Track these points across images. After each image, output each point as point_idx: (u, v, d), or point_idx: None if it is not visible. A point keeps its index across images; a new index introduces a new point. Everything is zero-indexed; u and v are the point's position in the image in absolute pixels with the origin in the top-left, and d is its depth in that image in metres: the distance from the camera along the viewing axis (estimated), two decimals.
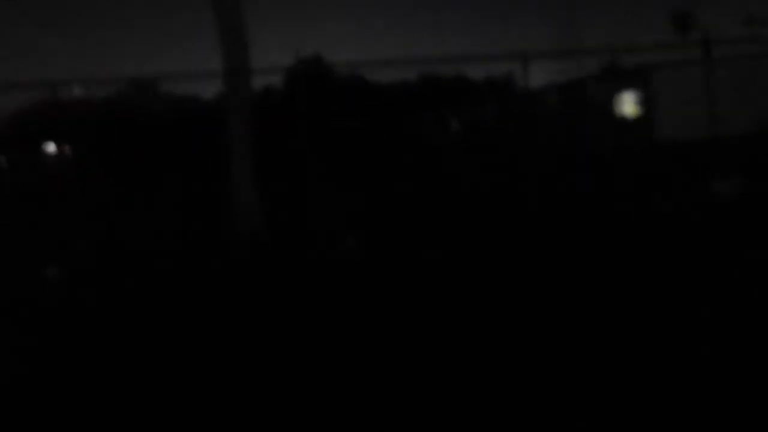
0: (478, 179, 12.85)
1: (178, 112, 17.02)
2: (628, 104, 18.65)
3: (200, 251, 8.19)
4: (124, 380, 4.41)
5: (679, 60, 16.59)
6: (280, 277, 6.82)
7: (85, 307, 6.31)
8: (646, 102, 18.07)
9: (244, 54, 8.56)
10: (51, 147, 17.20)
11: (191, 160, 15.59)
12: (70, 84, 14.99)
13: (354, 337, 4.92)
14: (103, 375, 4.55)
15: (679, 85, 16.36)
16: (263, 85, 20.25)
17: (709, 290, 5.29)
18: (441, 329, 4.95)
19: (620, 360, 4.13)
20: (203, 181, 13.30)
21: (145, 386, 4.29)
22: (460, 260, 6.84)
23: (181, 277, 7.15)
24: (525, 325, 4.87)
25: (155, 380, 4.37)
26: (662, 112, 16.82)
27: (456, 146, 19.09)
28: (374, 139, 17.53)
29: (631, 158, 14.21)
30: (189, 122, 16.57)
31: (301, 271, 6.95)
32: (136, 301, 6.33)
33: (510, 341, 4.60)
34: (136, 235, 9.97)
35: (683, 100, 15.60)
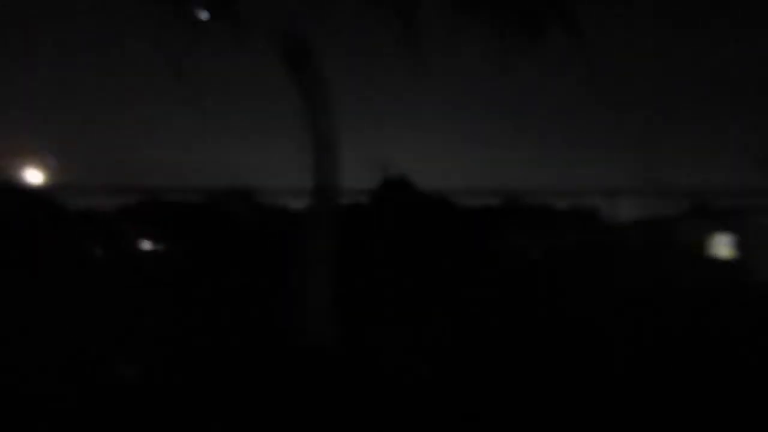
0: (555, 306, 12.57)
1: (269, 218, 17.74)
2: (721, 245, 18.15)
3: (272, 357, 8.24)
4: None
5: None
6: (346, 395, 6.74)
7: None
8: (740, 244, 17.54)
9: (333, 173, 8.95)
10: (146, 243, 18.15)
11: (273, 266, 16.05)
12: (170, 191, 16.08)
13: None
14: None
15: None
16: (352, 199, 20.86)
17: None
18: None
19: None
20: (281, 287, 13.60)
21: None
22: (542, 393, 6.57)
23: (252, 385, 7.19)
24: None
25: None
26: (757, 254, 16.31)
27: (535, 273, 18.79)
28: (454, 263, 17.54)
29: (724, 299, 13.68)
30: (276, 230, 17.17)
31: (366, 392, 6.85)
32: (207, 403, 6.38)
33: None
34: (210, 331, 10.18)
35: None
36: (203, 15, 8.76)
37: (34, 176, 19.53)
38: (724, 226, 18.04)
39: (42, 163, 19.73)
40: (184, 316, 11.45)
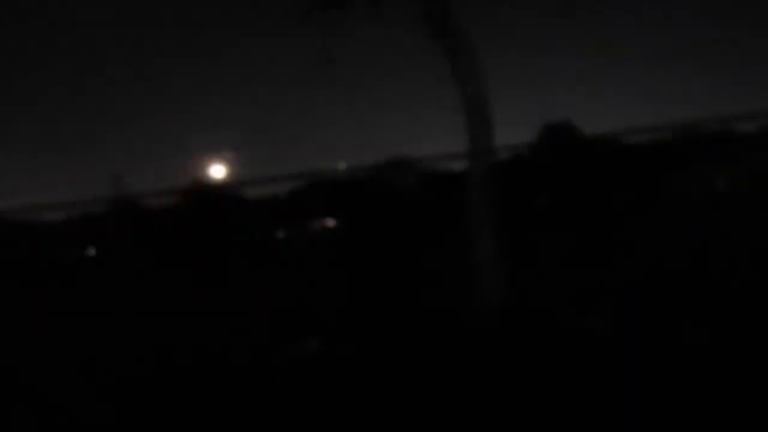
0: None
1: (429, 185, 17.93)
2: None
3: (447, 319, 8.38)
4: None
5: None
6: (524, 347, 6.70)
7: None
8: None
9: (488, 134, 8.82)
10: (320, 222, 19.12)
11: (440, 230, 16.22)
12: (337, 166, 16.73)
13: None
14: None
15: None
16: (511, 152, 20.39)
17: None
18: None
19: None
20: (451, 250, 13.70)
21: None
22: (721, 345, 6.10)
23: (431, 344, 7.37)
24: None
25: None
26: None
27: (723, 204, 17.23)
28: (626, 204, 16.60)
29: None
30: (439, 195, 17.30)
31: (546, 343, 6.77)
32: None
33: None
34: (388, 298, 10.54)
35: None
36: None
37: (218, 171, 21.26)
38: None
39: (224, 159, 21.41)
40: (366, 288, 11.95)
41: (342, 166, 19.60)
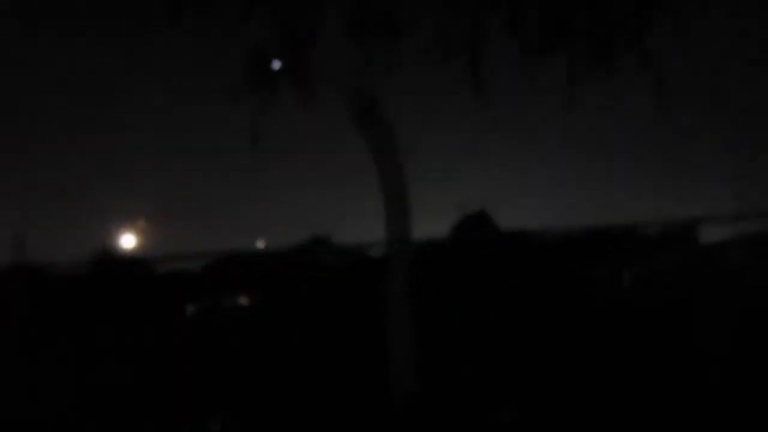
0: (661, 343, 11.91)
1: (346, 264, 17.93)
2: None
3: (354, 402, 8.24)
4: None
5: None
6: None
7: None
8: None
9: (406, 225, 9.02)
10: (233, 298, 18.64)
11: (358, 309, 16.13)
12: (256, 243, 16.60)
13: None
14: None
15: None
16: (429, 237, 20.75)
17: None
18: None
19: None
20: (367, 334, 13.61)
21: None
22: None
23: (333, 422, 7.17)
24: None
25: None
26: None
27: (629, 302, 17.96)
28: (538, 296, 17.05)
29: None
30: (357, 275, 17.30)
31: None
32: None
33: None
34: (299, 380, 10.27)
35: None
36: (276, 65, 9.06)
37: (128, 241, 20.53)
38: None
39: (136, 228, 20.73)
40: (278, 367, 11.64)
41: (261, 244, 19.35)
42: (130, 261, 18.36)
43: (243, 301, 19.36)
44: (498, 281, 18.94)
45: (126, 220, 21.09)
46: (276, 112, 9.24)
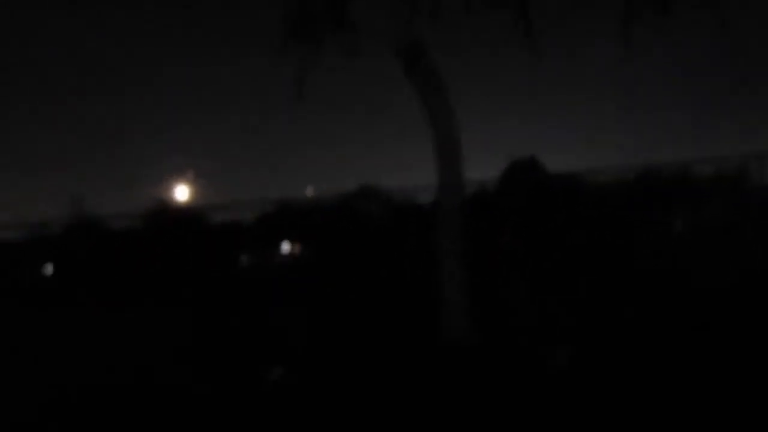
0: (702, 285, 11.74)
1: (398, 216, 18.02)
2: None
3: (407, 353, 8.40)
4: None
5: None
6: (480, 388, 6.74)
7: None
8: None
9: (457, 171, 8.96)
10: (285, 246, 19.03)
11: (407, 257, 16.28)
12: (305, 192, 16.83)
13: None
14: None
15: None
16: (479, 183, 20.63)
17: None
18: None
19: None
20: (417, 279, 13.77)
21: None
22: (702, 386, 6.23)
23: (386, 379, 7.38)
24: None
25: None
26: None
27: (678, 248, 17.67)
28: (589, 242, 16.89)
29: None
30: (405, 223, 17.39)
31: (503, 384, 6.82)
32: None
33: None
34: (347, 326, 10.52)
35: None
36: None
37: (182, 193, 21.06)
38: None
39: (190, 182, 21.21)
40: (326, 317, 11.90)
41: (310, 192, 19.57)
42: (185, 212, 18.88)
43: (295, 250, 19.76)
44: (549, 227, 18.81)
45: (180, 175, 21.59)
46: (324, 65, 9.22)
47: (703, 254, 15.89)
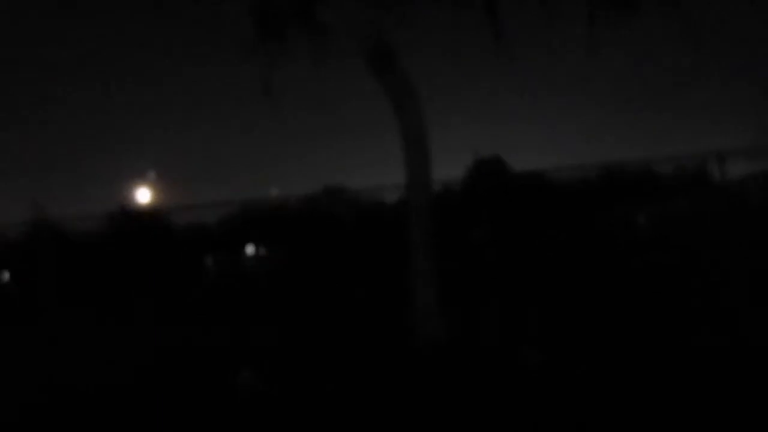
0: (673, 280, 11.96)
1: (362, 215, 18.00)
2: None
3: (377, 351, 8.35)
4: None
5: None
6: (451, 385, 6.73)
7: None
8: None
9: (426, 167, 8.91)
10: (250, 250, 18.83)
11: (372, 258, 16.25)
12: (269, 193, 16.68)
13: None
14: None
15: None
16: (444, 182, 20.72)
17: None
18: None
19: None
20: (383, 280, 13.75)
21: None
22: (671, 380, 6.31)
23: (359, 372, 7.33)
24: None
25: None
26: None
27: (645, 243, 17.98)
28: (554, 239, 17.09)
29: None
30: (371, 224, 17.37)
31: (474, 382, 6.82)
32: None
33: None
34: (316, 328, 10.43)
35: None
36: None
37: (144, 196, 20.65)
38: None
39: (151, 184, 20.82)
40: (295, 320, 11.79)
41: (274, 192, 19.40)
42: (147, 214, 18.53)
43: (260, 251, 19.57)
44: (514, 225, 19.00)
45: (142, 177, 21.19)
46: (289, 68, 9.12)
47: (666, 246, 16.24)
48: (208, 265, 18.92)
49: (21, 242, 17.21)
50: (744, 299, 9.50)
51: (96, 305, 15.56)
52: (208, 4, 9.48)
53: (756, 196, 17.82)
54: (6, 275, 18.63)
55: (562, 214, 18.99)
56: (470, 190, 19.93)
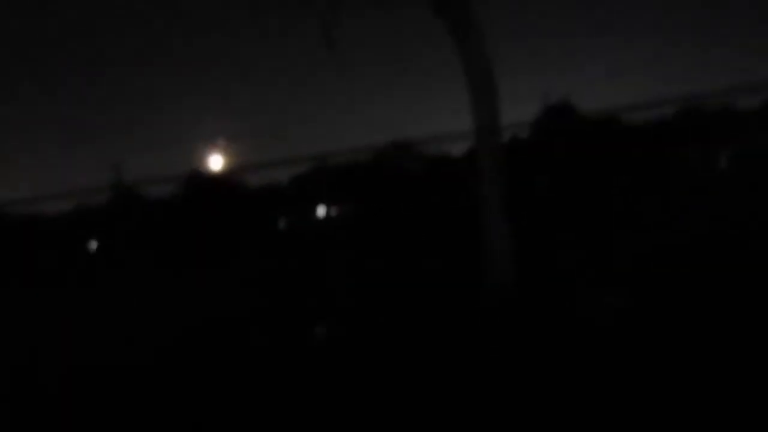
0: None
1: (432, 169, 17.91)
2: None
3: (451, 299, 8.35)
4: None
5: None
6: (524, 333, 6.64)
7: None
8: None
9: (495, 109, 8.72)
10: (322, 209, 19.07)
11: (444, 211, 16.18)
12: (338, 154, 16.81)
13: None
14: None
15: None
16: (510, 132, 20.30)
17: None
18: None
19: None
20: (456, 231, 13.69)
21: None
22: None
23: (431, 322, 7.37)
24: None
25: None
26: None
27: (723, 184, 17.17)
28: (631, 182, 16.54)
29: None
30: (441, 178, 17.24)
31: (550, 329, 6.69)
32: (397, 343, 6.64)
33: None
34: (392, 279, 10.53)
35: None
36: None
37: (216, 161, 21.16)
38: None
39: (224, 147, 21.29)
40: (376, 270, 11.93)
41: (344, 149, 19.48)
42: (220, 179, 18.99)
43: (332, 211, 19.79)
44: (586, 170, 18.47)
45: (214, 141, 21.67)
46: (350, 15, 9.01)
47: (748, 187, 15.44)
48: (281, 227, 19.31)
49: (105, 209, 18.00)
50: None
51: (178, 267, 16.19)
52: None
53: None
54: (94, 244, 19.55)
55: (635, 157, 18.34)
56: (539, 138, 19.48)
